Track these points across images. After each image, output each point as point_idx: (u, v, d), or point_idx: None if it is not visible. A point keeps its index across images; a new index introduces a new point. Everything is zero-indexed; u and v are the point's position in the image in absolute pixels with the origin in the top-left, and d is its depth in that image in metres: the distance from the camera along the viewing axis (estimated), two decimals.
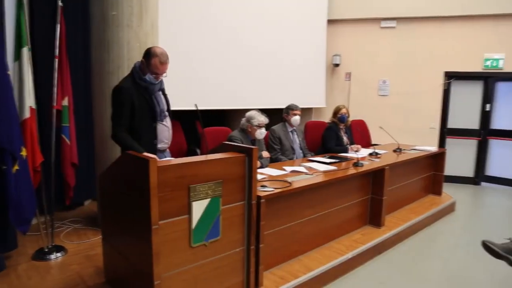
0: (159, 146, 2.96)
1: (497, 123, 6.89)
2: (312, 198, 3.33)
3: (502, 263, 2.61)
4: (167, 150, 3.10)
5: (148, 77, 2.80)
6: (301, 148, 4.60)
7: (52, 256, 3.25)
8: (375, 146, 5.12)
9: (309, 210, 3.33)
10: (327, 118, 5.22)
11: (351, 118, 5.19)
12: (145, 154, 2.44)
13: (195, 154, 4.23)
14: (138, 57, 3.58)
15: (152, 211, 2.01)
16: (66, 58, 3.51)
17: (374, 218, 4.06)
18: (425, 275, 3.39)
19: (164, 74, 2.86)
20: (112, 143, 2.88)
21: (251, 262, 2.60)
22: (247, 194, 2.50)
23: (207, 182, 2.27)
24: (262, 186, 2.88)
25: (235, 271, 2.55)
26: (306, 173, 3.49)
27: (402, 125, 6.76)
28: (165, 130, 2.99)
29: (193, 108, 2.80)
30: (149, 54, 2.80)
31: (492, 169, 7.01)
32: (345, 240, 3.69)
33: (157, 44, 3.79)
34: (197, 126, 5.13)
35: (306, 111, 6.83)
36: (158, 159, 2.14)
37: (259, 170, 3.46)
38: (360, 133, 5.55)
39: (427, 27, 6.80)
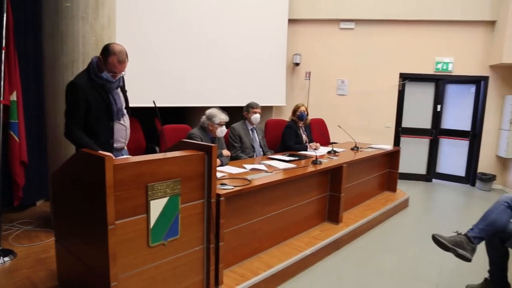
0: (116, 145, 2.86)
1: (446, 123, 7.26)
2: (272, 195, 3.36)
3: (450, 255, 2.75)
4: (125, 148, 3.01)
5: (105, 74, 2.68)
6: (261, 146, 4.62)
7: None
8: (333, 144, 5.23)
9: (269, 208, 3.36)
10: (287, 116, 5.28)
11: (310, 117, 5.27)
12: (101, 152, 2.36)
13: (154, 152, 4.14)
14: (94, 51, 3.46)
15: (108, 211, 1.94)
16: (14, 49, 3.32)
17: (332, 215, 4.16)
18: (381, 268, 3.52)
19: (123, 73, 2.75)
20: (66, 140, 2.76)
21: (211, 261, 2.58)
22: (207, 192, 2.48)
23: (166, 181, 2.23)
24: (222, 184, 2.87)
25: (195, 270, 2.52)
26: (265, 171, 3.51)
27: (359, 124, 6.97)
28: (122, 129, 2.88)
29: (152, 105, 2.74)
30: (107, 51, 2.67)
31: (442, 167, 7.37)
32: (304, 236, 3.75)
33: (114, 39, 3.67)
34: (156, 123, 5.03)
35: (266, 109, 6.88)
36: (114, 157, 2.07)
37: (219, 168, 3.45)
38: (319, 132, 5.66)
39: (384, 29, 7.04)
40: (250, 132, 4.56)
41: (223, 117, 3.82)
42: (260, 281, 2.89)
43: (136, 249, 2.14)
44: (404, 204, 5.39)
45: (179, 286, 2.43)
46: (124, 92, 2.93)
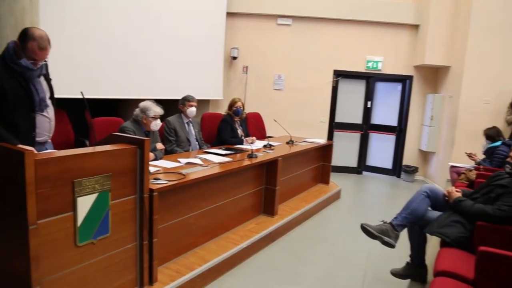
0: (39, 138, 2.63)
1: (376, 118, 7.68)
2: (208, 189, 3.34)
3: (377, 242, 2.92)
4: (49, 141, 2.79)
5: (24, 61, 2.42)
6: (197, 140, 4.57)
7: None
8: (269, 138, 5.32)
9: (205, 202, 3.33)
10: (224, 110, 5.27)
11: (247, 111, 5.30)
12: (20, 146, 2.18)
13: (84, 145, 3.93)
14: (12, 35, 3.18)
15: (29, 210, 1.80)
16: None
17: (268, 208, 4.23)
18: (314, 257, 3.66)
19: (44, 61, 2.52)
20: None
21: (144, 258, 2.51)
22: (139, 187, 2.40)
23: (94, 176, 2.12)
24: (156, 179, 2.79)
25: (127, 268, 2.44)
26: (201, 165, 3.47)
27: (295, 119, 7.13)
28: (45, 121, 2.65)
29: (80, 96, 2.58)
30: (25, 36, 2.42)
31: (371, 160, 7.79)
32: (240, 230, 3.78)
33: (37, 23, 3.40)
34: (86, 116, 4.77)
35: (203, 103, 6.81)
36: (35, 152, 1.92)
37: (153, 163, 3.35)
38: (255, 126, 5.71)
39: (320, 27, 7.24)
40: (186, 125, 4.48)
41: (158, 110, 3.71)
42: (196, 276, 2.87)
43: (62, 250, 2.01)
44: (336, 196, 5.63)
45: (111, 286, 2.33)
46: (48, 81, 2.69)
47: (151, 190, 2.53)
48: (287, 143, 5.24)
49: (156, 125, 3.74)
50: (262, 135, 5.72)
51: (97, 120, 4.04)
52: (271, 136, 5.90)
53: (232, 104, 5.04)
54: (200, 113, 5.50)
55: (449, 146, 6.32)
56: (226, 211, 3.65)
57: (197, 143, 4.55)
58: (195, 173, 3.16)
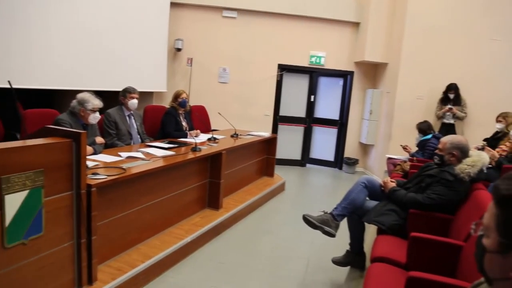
0: None
1: (319, 112, 7.89)
2: (150, 184, 3.25)
3: (319, 233, 3.02)
4: None
5: None
6: (139, 133, 4.42)
7: None
8: (214, 132, 5.28)
9: (147, 197, 3.25)
10: (168, 102, 5.15)
11: (192, 104, 5.22)
12: None
13: (15, 139, 3.66)
14: None
15: None
16: None
17: (213, 201, 4.21)
18: (259, 249, 3.71)
19: None
20: None
21: (83, 257, 2.40)
22: (75, 183, 2.28)
23: (25, 172, 1.98)
24: (94, 173, 2.67)
25: (64, 268, 2.32)
26: (143, 159, 3.37)
27: (240, 112, 7.14)
28: None
29: (7, 86, 2.40)
30: None
31: (315, 152, 8.02)
32: (184, 224, 3.73)
33: None
34: (17, 107, 4.44)
35: (146, 95, 6.60)
36: None
37: (91, 157, 3.20)
38: (200, 119, 5.64)
39: (265, 21, 7.28)
40: (127, 118, 4.32)
41: (97, 102, 3.53)
42: (139, 273, 2.80)
43: None
44: (281, 188, 5.73)
45: None
46: None
47: (89, 186, 2.42)
48: (232, 136, 5.24)
49: (95, 118, 3.57)
50: (206, 129, 5.67)
51: (30, 112, 3.78)
52: (215, 129, 5.86)
53: (177, 96, 4.94)
54: (143, 105, 5.34)
55: (387, 139, 6.66)
56: (170, 206, 3.59)
57: (139, 136, 4.41)
58: (136, 167, 3.07)
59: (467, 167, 2.74)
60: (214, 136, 4.85)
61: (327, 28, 7.37)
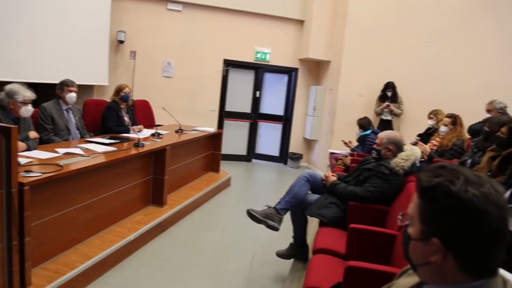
0: None
1: (264, 108, 7.99)
2: (90, 181, 3.12)
3: (264, 227, 3.07)
4: None
5: None
6: (78, 128, 4.21)
7: None
8: (157, 127, 5.17)
9: (87, 195, 3.11)
10: (110, 96, 4.95)
11: (135, 98, 5.07)
12: None
13: None
14: None
15: None
16: None
17: (157, 198, 4.12)
18: (204, 245, 3.69)
19: None
20: None
21: (14, 260, 2.25)
22: (5, 181, 2.13)
23: None
24: (27, 171, 2.51)
25: None
26: (82, 155, 3.22)
27: (185, 107, 7.03)
28: None
29: None
30: None
31: (260, 148, 8.11)
32: (127, 222, 3.63)
33: None
34: None
35: (86, 89, 6.30)
36: None
37: (25, 153, 3.01)
38: (143, 114, 5.49)
39: (211, 16, 7.20)
40: (65, 112, 4.10)
41: (28, 94, 3.31)
42: (78, 274, 2.68)
43: None
44: (226, 184, 5.74)
45: None
46: None
47: (21, 184, 2.28)
48: (176, 131, 5.15)
49: (27, 111, 3.35)
50: (150, 124, 5.53)
51: None
52: (159, 124, 5.74)
53: (119, 90, 4.76)
54: (83, 99, 5.10)
55: (329, 134, 6.89)
56: (112, 203, 3.47)
57: (77, 131, 4.21)
58: (74, 164, 2.93)
59: (401, 161, 2.91)
60: (158, 131, 4.74)
61: (273, 24, 7.45)
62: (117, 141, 3.99)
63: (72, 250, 2.95)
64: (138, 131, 4.57)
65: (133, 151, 3.69)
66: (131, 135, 4.46)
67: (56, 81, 4.14)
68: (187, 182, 5.08)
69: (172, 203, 4.23)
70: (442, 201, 0.84)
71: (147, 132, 4.71)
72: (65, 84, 4.06)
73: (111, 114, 4.62)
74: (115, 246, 3.12)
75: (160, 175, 4.09)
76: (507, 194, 2.30)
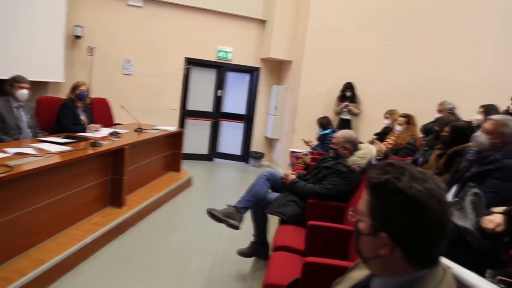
0: None
1: (226, 107, 7.98)
2: (44, 182, 3.00)
3: (225, 226, 3.07)
4: None
5: None
6: (30, 127, 4.03)
7: None
8: (116, 126, 5.04)
9: (40, 197, 2.99)
10: (66, 94, 4.77)
11: (93, 96, 4.91)
12: None
13: None
14: None
15: None
16: None
17: (115, 199, 4.02)
18: (165, 246, 3.65)
19: None
20: None
21: None
22: None
23: None
24: None
25: None
26: (34, 155, 3.09)
27: (145, 106, 6.88)
28: None
29: None
30: None
31: (222, 147, 8.09)
32: (84, 224, 3.52)
33: None
34: None
35: (40, 85, 6.02)
36: None
37: None
38: (101, 112, 5.33)
39: (172, 13, 7.09)
40: (15, 110, 3.91)
41: None
42: (30, 281, 2.56)
43: None
44: (188, 183, 5.68)
45: None
46: None
47: None
48: (136, 130, 5.03)
49: None
50: (108, 123, 5.38)
51: None
52: (118, 123, 5.59)
53: (75, 87, 4.59)
54: (36, 97, 4.87)
55: (291, 133, 6.98)
56: (67, 205, 3.34)
57: (29, 130, 4.02)
58: (26, 165, 2.80)
59: (358, 159, 3.00)
60: (117, 130, 4.62)
61: (235, 24, 7.46)
62: (73, 140, 3.85)
63: (24, 256, 2.82)
64: (95, 130, 4.43)
65: (90, 151, 3.57)
66: (88, 134, 4.32)
67: (6, 77, 3.94)
68: (147, 182, 4.98)
69: (131, 204, 4.13)
70: (389, 196, 0.88)
71: (105, 131, 4.57)
72: (16, 81, 3.87)
73: (67, 112, 4.46)
74: (71, 249, 3.01)
75: (119, 175, 3.99)
76: (453, 190, 2.42)
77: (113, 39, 6.86)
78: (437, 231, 0.88)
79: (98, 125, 4.69)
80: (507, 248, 1.93)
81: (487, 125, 2.44)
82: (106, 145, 3.86)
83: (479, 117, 4.20)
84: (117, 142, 4.11)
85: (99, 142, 3.79)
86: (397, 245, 0.88)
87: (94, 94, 5.89)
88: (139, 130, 5.05)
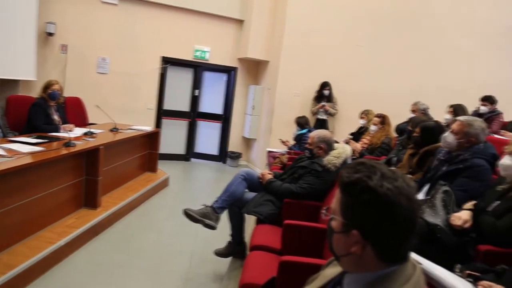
0: None
1: (203, 106, 7.94)
2: (14, 184, 2.92)
3: (201, 226, 3.06)
4: None
5: None
6: None
7: None
8: (91, 126, 4.94)
9: (10, 199, 2.90)
10: (38, 93, 4.64)
11: (67, 95, 4.80)
12: None
13: None
14: None
15: None
16: None
17: (90, 200, 3.95)
18: (142, 247, 3.61)
19: None
20: None
21: None
22: None
23: None
24: None
25: None
26: (4, 156, 3.00)
27: (121, 105, 6.76)
28: None
29: None
30: None
31: (199, 147, 8.05)
32: (57, 226, 3.44)
33: None
34: None
35: (10, 84, 5.84)
36: None
37: None
38: (75, 111, 5.22)
39: (148, 11, 6.99)
40: None
41: None
42: None
43: None
44: (164, 184, 5.63)
45: None
46: None
47: None
48: (111, 130, 4.94)
49: None
50: (82, 122, 5.27)
51: None
52: (93, 123, 5.49)
53: (47, 86, 4.48)
54: (5, 95, 4.73)
55: (268, 133, 7.02)
56: (40, 207, 3.26)
57: None
58: None
59: (333, 158, 3.05)
60: (91, 130, 4.52)
61: (212, 23, 7.43)
62: (45, 140, 3.76)
63: None
64: (69, 130, 4.34)
65: (63, 151, 3.49)
66: (61, 134, 4.22)
67: None
68: (123, 183, 4.91)
69: (106, 205, 4.07)
70: (360, 195, 0.90)
71: (79, 131, 4.47)
72: None
73: (38, 111, 4.34)
74: (43, 253, 2.94)
75: (94, 176, 3.92)
76: (425, 188, 2.49)
77: (87, 36, 6.71)
78: (407, 228, 0.90)
79: (71, 125, 4.59)
80: (475, 243, 2.01)
81: (454, 125, 2.53)
82: (80, 145, 3.79)
83: (448, 116, 4.35)
84: (91, 142, 4.04)
85: (72, 142, 3.71)
86: (368, 242, 0.91)
87: (68, 93, 5.75)
88: (114, 130, 4.97)
